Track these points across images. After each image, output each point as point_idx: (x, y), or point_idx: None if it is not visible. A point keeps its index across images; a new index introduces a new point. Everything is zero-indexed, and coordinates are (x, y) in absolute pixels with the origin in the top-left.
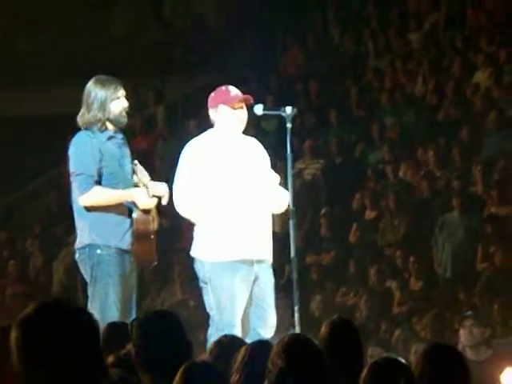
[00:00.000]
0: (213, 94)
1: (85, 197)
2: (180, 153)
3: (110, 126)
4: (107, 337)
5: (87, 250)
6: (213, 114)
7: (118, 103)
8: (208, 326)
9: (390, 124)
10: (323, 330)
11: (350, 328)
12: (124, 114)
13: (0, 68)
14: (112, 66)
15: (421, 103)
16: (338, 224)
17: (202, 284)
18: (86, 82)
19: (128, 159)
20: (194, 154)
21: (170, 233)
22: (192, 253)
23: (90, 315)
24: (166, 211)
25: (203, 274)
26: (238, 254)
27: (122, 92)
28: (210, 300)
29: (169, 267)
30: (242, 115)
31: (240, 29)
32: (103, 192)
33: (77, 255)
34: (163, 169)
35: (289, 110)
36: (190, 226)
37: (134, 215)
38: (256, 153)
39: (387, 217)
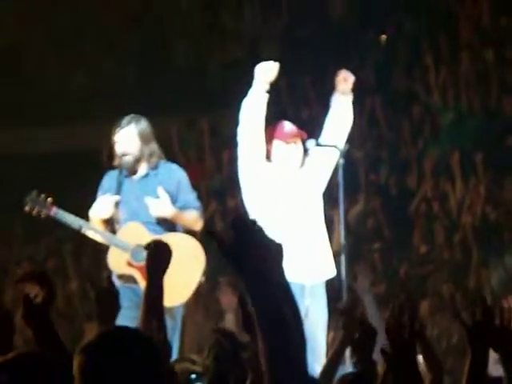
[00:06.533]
0: (268, 130)
1: None
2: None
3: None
4: None
5: None
6: (268, 148)
7: (115, 148)
8: None
9: (440, 159)
10: (380, 366)
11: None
12: (125, 158)
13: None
14: (166, 98)
15: (472, 138)
16: (391, 258)
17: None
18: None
19: (139, 198)
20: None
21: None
22: None
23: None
24: None
25: None
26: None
27: (116, 137)
28: None
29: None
30: (295, 150)
31: (294, 62)
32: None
33: None
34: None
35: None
36: None
37: None
38: (310, 184)
39: (437, 251)
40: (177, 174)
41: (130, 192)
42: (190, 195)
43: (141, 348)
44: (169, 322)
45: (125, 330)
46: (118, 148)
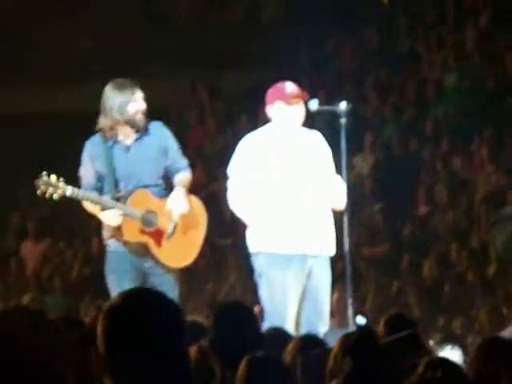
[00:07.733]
0: (270, 90)
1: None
2: (233, 148)
3: (127, 129)
4: None
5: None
6: (269, 110)
7: (135, 105)
8: (263, 320)
9: (443, 118)
10: (381, 326)
11: (407, 324)
12: (140, 116)
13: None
14: (167, 59)
15: (475, 98)
16: (393, 218)
17: (257, 278)
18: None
19: (135, 162)
20: (249, 149)
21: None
22: (247, 245)
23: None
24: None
25: (258, 267)
26: (292, 248)
27: (138, 94)
28: (263, 294)
29: (224, 261)
30: (297, 111)
31: (295, 23)
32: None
33: None
34: (211, 166)
35: (343, 105)
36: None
37: None
38: (313, 147)
39: (440, 212)
40: (164, 132)
41: (124, 158)
42: (176, 151)
43: (163, 308)
44: (171, 278)
45: (147, 291)
46: (139, 105)
